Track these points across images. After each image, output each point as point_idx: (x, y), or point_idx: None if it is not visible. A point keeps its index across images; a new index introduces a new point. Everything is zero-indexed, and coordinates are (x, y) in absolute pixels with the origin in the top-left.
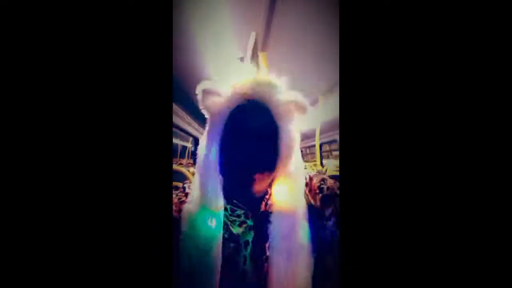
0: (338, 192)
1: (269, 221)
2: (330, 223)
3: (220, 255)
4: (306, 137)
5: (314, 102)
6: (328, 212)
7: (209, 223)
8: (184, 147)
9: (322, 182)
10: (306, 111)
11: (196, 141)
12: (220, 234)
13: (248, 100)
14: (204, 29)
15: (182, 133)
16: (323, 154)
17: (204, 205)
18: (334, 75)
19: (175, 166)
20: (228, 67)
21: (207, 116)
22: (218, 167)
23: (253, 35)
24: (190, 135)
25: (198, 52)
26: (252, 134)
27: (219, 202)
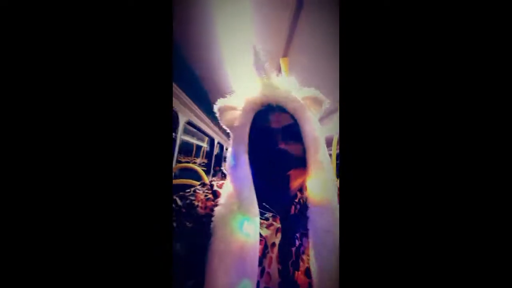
0: None
1: (305, 216)
2: None
3: (257, 263)
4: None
5: (334, 111)
6: None
7: (246, 230)
8: (199, 147)
9: None
10: (323, 104)
11: (211, 141)
12: (257, 241)
13: (264, 106)
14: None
15: (198, 132)
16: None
17: (241, 213)
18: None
19: (189, 164)
20: (243, 74)
21: (229, 131)
22: (251, 174)
23: (252, 48)
24: (206, 135)
25: (219, 54)
26: (276, 137)
27: (255, 209)
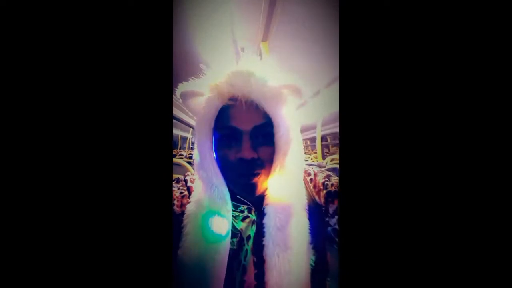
0: None
1: (265, 214)
2: (333, 220)
3: (227, 255)
4: (307, 128)
5: (315, 95)
6: (332, 209)
7: (218, 228)
8: (184, 138)
9: (326, 179)
10: (301, 93)
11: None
12: (228, 237)
13: (231, 97)
14: (202, 20)
15: (182, 124)
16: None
17: (211, 209)
18: (336, 67)
19: (174, 159)
20: (222, 57)
21: (194, 117)
22: (219, 173)
23: (231, 28)
24: (190, 126)
25: (197, 42)
26: (244, 133)
27: (228, 206)
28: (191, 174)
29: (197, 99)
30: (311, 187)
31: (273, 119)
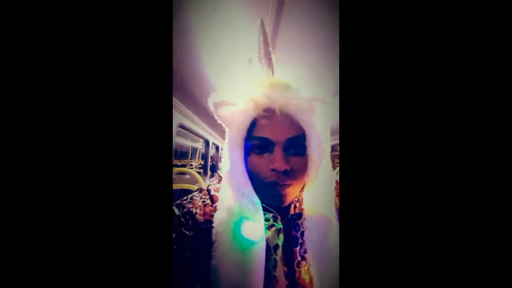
0: None
1: (300, 225)
2: None
3: (263, 264)
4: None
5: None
6: None
7: (251, 234)
8: (195, 149)
9: None
10: (328, 103)
11: (207, 143)
12: (263, 243)
13: (266, 109)
14: (208, 27)
15: (192, 135)
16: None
17: (243, 216)
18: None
19: (184, 168)
20: (236, 70)
21: (225, 127)
22: (249, 181)
23: (261, 23)
24: (200, 136)
25: (203, 52)
26: (276, 144)
27: (260, 213)
28: (214, 183)
29: (229, 108)
30: (335, 196)
31: (306, 131)
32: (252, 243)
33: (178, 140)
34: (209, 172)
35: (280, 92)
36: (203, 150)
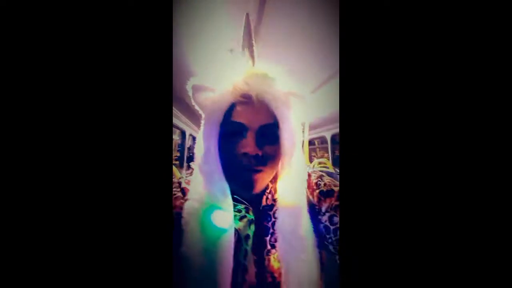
0: (335, 188)
1: (271, 216)
2: (325, 217)
3: (232, 251)
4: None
5: (312, 92)
6: (324, 207)
7: (220, 222)
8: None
9: (319, 179)
10: (305, 99)
11: (183, 134)
12: (232, 231)
13: (244, 95)
14: (191, 19)
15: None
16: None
17: (212, 204)
18: (334, 64)
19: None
20: (217, 59)
21: (201, 113)
22: (220, 167)
23: (246, 16)
24: (176, 127)
25: (185, 43)
26: (250, 131)
27: (229, 200)
28: (186, 176)
29: (207, 94)
30: (306, 188)
31: (279, 121)
32: (221, 231)
33: None
34: (185, 164)
35: (259, 80)
36: (179, 141)
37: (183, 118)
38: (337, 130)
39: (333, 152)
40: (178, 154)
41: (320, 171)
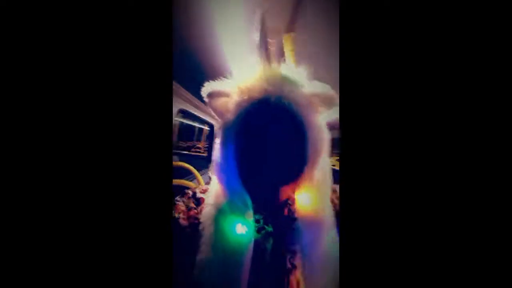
0: None
1: (292, 228)
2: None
3: (250, 263)
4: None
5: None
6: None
7: (240, 230)
8: (201, 129)
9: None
10: (333, 105)
11: (211, 127)
12: (251, 243)
13: (262, 99)
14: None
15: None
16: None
17: (232, 214)
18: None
19: (185, 164)
20: (238, 57)
21: (218, 119)
22: (239, 177)
23: (258, 14)
24: (204, 121)
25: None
26: (271, 138)
27: (250, 211)
28: (199, 186)
29: (224, 99)
30: (334, 200)
31: (303, 125)
32: (240, 242)
33: (185, 120)
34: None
35: (277, 83)
36: (208, 133)
37: (211, 112)
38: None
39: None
40: (207, 145)
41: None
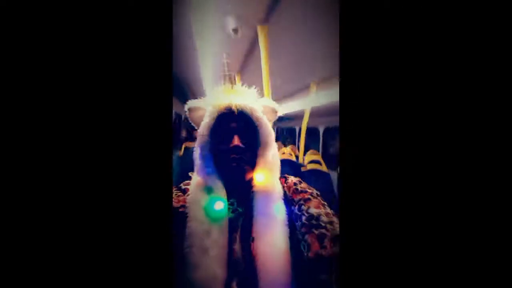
0: (307, 190)
1: (252, 202)
2: (296, 207)
3: (227, 234)
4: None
5: (305, 88)
6: (297, 199)
7: (218, 206)
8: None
9: (297, 181)
10: (277, 113)
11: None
12: (226, 218)
13: (228, 109)
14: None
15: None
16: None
17: (211, 196)
18: (333, 62)
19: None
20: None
21: (196, 128)
22: (215, 168)
23: (225, 56)
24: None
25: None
26: (235, 131)
27: (224, 191)
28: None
29: (199, 112)
30: (284, 184)
31: (257, 125)
32: (219, 215)
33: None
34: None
35: (239, 96)
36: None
37: None
38: (333, 124)
39: (324, 147)
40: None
41: (311, 169)
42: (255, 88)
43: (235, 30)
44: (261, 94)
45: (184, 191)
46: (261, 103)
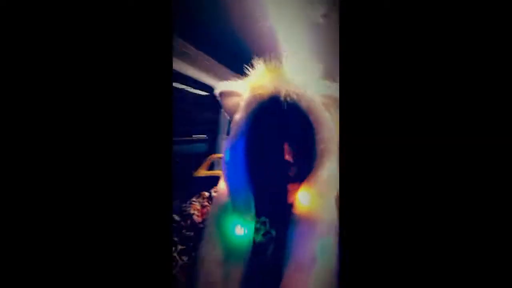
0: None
1: (289, 229)
2: None
3: (247, 264)
4: None
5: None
6: None
7: (239, 232)
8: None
9: None
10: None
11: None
12: (249, 245)
13: (274, 98)
14: None
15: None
16: None
17: (234, 215)
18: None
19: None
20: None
21: (229, 119)
22: (247, 176)
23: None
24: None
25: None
26: (281, 137)
27: (252, 213)
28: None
29: (235, 99)
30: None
31: (313, 126)
32: (238, 242)
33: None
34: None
35: (286, 82)
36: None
37: None
38: None
39: None
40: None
41: None
42: (319, 66)
43: (324, 16)
44: (324, 75)
45: (212, 200)
46: (323, 91)
